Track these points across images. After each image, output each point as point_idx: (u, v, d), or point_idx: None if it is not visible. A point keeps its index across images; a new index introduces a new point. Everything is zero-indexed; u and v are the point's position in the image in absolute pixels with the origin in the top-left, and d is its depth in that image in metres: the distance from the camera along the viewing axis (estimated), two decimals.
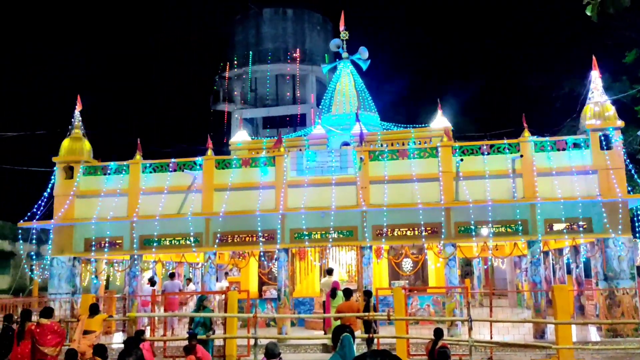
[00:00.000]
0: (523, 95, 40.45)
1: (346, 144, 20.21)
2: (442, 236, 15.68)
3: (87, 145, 17.80)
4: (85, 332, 11.19)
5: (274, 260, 17.32)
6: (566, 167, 15.57)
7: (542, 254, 15.98)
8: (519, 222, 15.46)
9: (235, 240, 16.53)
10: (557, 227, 15.45)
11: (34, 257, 21.84)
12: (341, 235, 16.17)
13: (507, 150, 15.92)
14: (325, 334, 14.74)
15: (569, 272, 19.37)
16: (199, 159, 16.97)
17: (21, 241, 20.38)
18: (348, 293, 12.64)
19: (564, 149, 15.75)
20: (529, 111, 16.91)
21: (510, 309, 21.53)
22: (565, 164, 15.61)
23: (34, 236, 17.43)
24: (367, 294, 13.16)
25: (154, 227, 16.53)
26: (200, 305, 12.51)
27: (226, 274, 19.93)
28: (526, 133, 15.92)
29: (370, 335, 11.92)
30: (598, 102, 15.95)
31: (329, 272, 16.08)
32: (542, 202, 15.29)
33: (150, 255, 17.37)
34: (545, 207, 15.36)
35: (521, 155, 15.66)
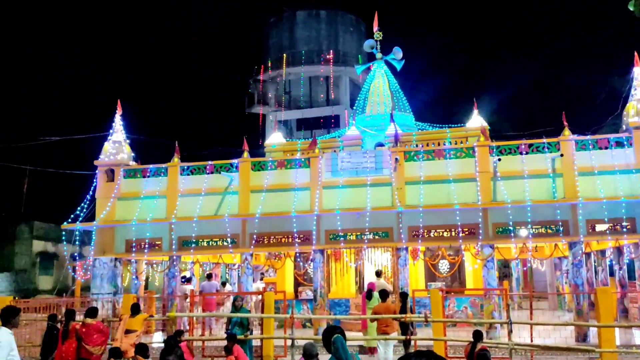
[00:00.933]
0: (563, 93, 39.55)
1: (381, 144, 20.13)
2: (480, 237, 15.47)
3: (127, 149, 18.23)
4: (127, 332, 11.43)
5: (309, 262, 17.39)
6: (609, 165, 15.16)
7: (584, 255, 15.58)
8: (560, 223, 15.12)
9: (271, 242, 16.66)
10: (599, 227, 15.05)
11: (76, 258, 22.44)
12: (377, 237, 16.11)
13: (547, 150, 15.59)
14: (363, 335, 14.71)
15: (612, 274, 18.83)
16: (235, 161, 17.18)
17: (64, 242, 20.99)
18: (384, 294, 12.58)
19: (606, 148, 15.34)
20: (569, 109, 16.57)
21: (551, 311, 21.05)
22: (607, 162, 15.20)
23: (77, 238, 17.92)
24: (404, 295, 13.08)
25: (192, 229, 16.80)
26: (234, 306, 12.59)
27: (262, 274, 20.12)
28: (566, 131, 15.56)
29: (408, 337, 11.83)
30: None
31: (378, 274, 16.09)
32: (583, 202, 14.92)
33: (189, 256, 17.66)
34: (587, 207, 14.98)
35: (561, 154, 15.31)
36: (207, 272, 18.96)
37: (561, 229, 15.12)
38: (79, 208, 17.55)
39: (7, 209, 36.64)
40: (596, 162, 15.23)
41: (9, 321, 6.99)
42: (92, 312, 11.01)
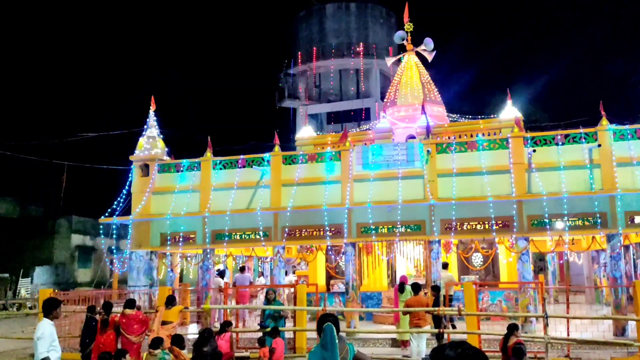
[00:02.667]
0: (599, 82, 38.47)
1: (412, 137, 19.96)
2: (514, 230, 15.22)
3: (161, 144, 18.53)
4: (163, 323, 11.67)
5: (341, 255, 17.40)
6: None
7: (622, 248, 15.18)
8: (598, 215, 14.76)
9: (303, 235, 16.73)
10: (638, 219, 14.63)
11: (114, 251, 22.92)
12: (408, 230, 16.02)
13: (584, 140, 15.21)
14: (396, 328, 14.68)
15: None
16: (266, 155, 17.29)
17: (102, 236, 21.49)
18: (416, 288, 12.52)
19: None
20: (606, 98, 16.11)
21: (588, 305, 20.59)
22: None
23: (114, 231, 18.31)
24: (436, 289, 12.98)
25: (225, 222, 17.00)
26: (267, 299, 12.67)
27: (294, 267, 20.22)
28: (604, 121, 15.15)
29: (441, 330, 11.76)
30: None
31: (444, 266, 16.05)
32: (622, 194, 14.52)
33: (222, 249, 17.88)
34: (626, 198, 14.58)
35: (599, 145, 14.92)
36: (240, 265, 19.17)
37: (599, 221, 14.75)
38: (115, 202, 17.95)
39: (47, 203, 37.73)
40: (635, 152, 14.79)
41: (50, 312, 7.21)
42: (130, 303, 11.27)
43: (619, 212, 14.62)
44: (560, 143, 15.33)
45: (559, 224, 14.99)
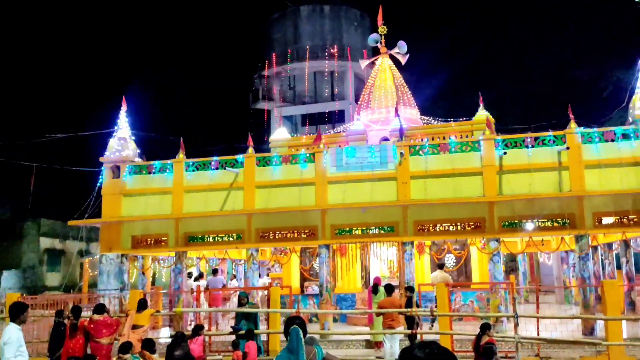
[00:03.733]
0: (568, 86, 39.31)
1: (385, 139, 20.09)
2: (486, 231, 15.43)
3: (132, 145, 18.27)
4: (134, 327, 11.51)
5: (315, 257, 17.41)
6: (615, 158, 15.06)
7: (590, 248, 15.53)
8: (566, 216, 15.06)
9: (277, 237, 16.69)
10: (606, 220, 14.99)
11: (83, 254, 22.53)
12: (382, 231, 16.11)
13: (553, 143, 15.50)
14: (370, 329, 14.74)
15: (619, 267, 18.76)
16: (240, 157, 17.19)
17: (71, 239, 21.11)
18: (390, 289, 12.59)
19: (612, 140, 15.24)
20: (575, 102, 16.46)
21: (558, 305, 21.01)
22: (614, 155, 15.10)
23: (84, 234, 18.01)
24: (410, 289, 13.08)
25: (198, 224, 16.85)
26: (240, 304, 12.58)
27: (268, 269, 20.13)
28: (572, 124, 15.48)
29: (414, 331, 11.84)
30: None
31: (440, 266, 16.15)
32: (590, 195, 14.86)
33: (195, 251, 17.71)
34: (594, 200, 14.92)
35: (567, 147, 15.23)
36: (213, 268, 19.03)
37: (567, 222, 15.06)
38: (85, 205, 17.63)
39: (14, 206, 36.85)
40: (603, 155, 15.14)
41: (17, 317, 7.04)
42: (99, 309, 11.10)
43: (587, 214, 14.94)
44: (530, 145, 15.61)
45: (529, 225, 15.26)
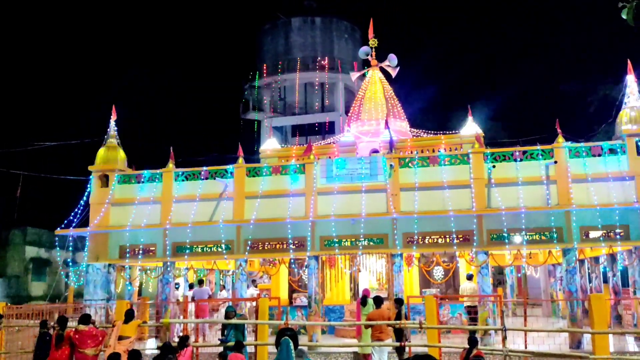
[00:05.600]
0: (556, 101, 39.81)
1: (375, 151, 20.18)
2: (474, 244, 15.49)
3: (121, 154, 18.19)
4: (120, 338, 11.38)
5: (304, 268, 17.37)
6: (602, 173, 15.24)
7: (577, 262, 15.63)
8: (554, 230, 15.17)
9: (266, 248, 16.64)
10: (593, 234, 15.11)
11: (69, 264, 22.30)
12: (371, 243, 16.12)
13: (541, 157, 15.66)
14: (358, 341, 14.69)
15: (606, 281, 18.90)
16: (230, 167, 17.17)
17: (57, 248, 20.90)
18: (378, 301, 12.58)
19: (599, 155, 15.43)
20: (562, 117, 16.64)
21: (545, 318, 21.08)
22: (601, 170, 15.28)
23: (70, 243, 17.82)
24: (399, 302, 13.07)
25: (186, 235, 16.76)
26: (227, 318, 12.47)
27: (253, 281, 19.96)
28: (560, 139, 15.65)
29: (402, 343, 11.82)
30: (634, 107, 15.61)
31: (469, 277, 16.27)
32: (577, 209, 14.98)
33: (183, 262, 17.60)
34: (581, 214, 15.05)
35: (555, 162, 15.39)
36: (199, 278, 18.90)
37: (555, 235, 15.17)
38: (72, 214, 17.48)
39: (0, 214, 36.42)
40: (590, 170, 15.31)
41: None
42: (84, 319, 10.97)
43: (574, 227, 15.06)
44: (519, 159, 15.74)
45: (517, 238, 15.35)
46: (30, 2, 52.08)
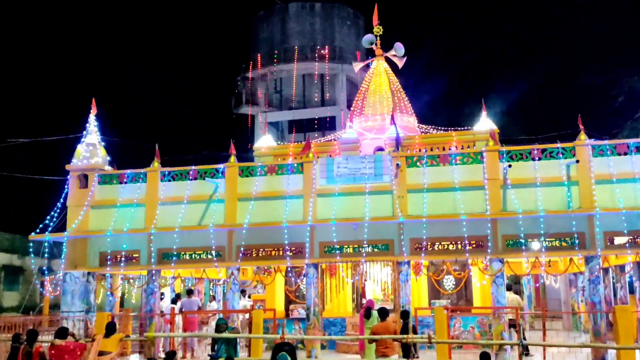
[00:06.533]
0: (578, 95, 39.79)
1: (380, 149, 20.19)
2: (488, 251, 15.50)
3: (102, 152, 18.19)
4: (101, 353, 11.35)
5: (302, 277, 17.37)
6: (628, 173, 15.25)
7: (601, 270, 15.64)
8: (575, 235, 15.18)
9: (260, 255, 16.64)
10: (618, 240, 15.12)
11: (45, 272, 22.28)
12: (376, 249, 16.12)
13: (561, 155, 15.67)
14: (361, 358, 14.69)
15: (632, 291, 18.90)
16: (221, 167, 17.18)
17: (32, 255, 20.89)
18: (383, 313, 12.56)
19: (625, 154, 15.44)
20: (585, 112, 16.70)
21: (566, 332, 21.09)
22: (627, 169, 15.29)
23: (46, 250, 17.81)
24: (405, 315, 13.07)
25: (173, 240, 16.76)
26: (218, 331, 12.48)
27: (243, 291, 19.84)
28: (582, 136, 15.66)
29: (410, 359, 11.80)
30: None
31: (509, 287, 16.36)
32: (601, 213, 14.99)
33: (169, 270, 17.61)
34: (605, 218, 15.05)
35: (577, 161, 15.39)
36: (188, 288, 18.90)
37: (577, 242, 15.17)
38: (48, 217, 17.47)
39: None
40: (615, 169, 15.31)
41: None
42: (61, 333, 10.95)
43: (598, 233, 15.07)
44: (537, 158, 15.76)
45: (535, 245, 15.36)
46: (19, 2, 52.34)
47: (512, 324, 15.54)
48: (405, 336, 11.93)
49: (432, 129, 22.21)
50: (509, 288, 16.66)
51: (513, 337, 14.96)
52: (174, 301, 18.24)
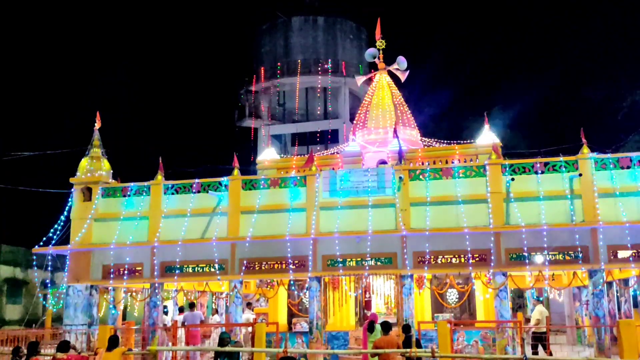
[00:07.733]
0: (581, 108, 39.84)
1: (383, 162, 20.23)
2: (492, 264, 15.47)
3: (106, 165, 18.26)
4: None
5: (304, 290, 17.34)
6: (631, 186, 15.25)
7: (605, 284, 15.59)
8: (579, 249, 15.15)
9: (263, 268, 16.63)
10: (622, 254, 15.09)
11: (48, 285, 22.28)
12: (379, 263, 16.11)
13: (564, 169, 15.69)
14: None
15: (636, 305, 18.80)
16: (224, 179, 17.22)
17: (35, 268, 20.89)
18: (387, 327, 12.54)
19: (628, 167, 15.45)
20: (588, 125, 16.72)
21: (570, 346, 20.95)
22: (630, 183, 15.30)
23: (49, 263, 17.83)
24: (406, 329, 13.03)
25: (176, 253, 16.77)
26: (221, 345, 12.46)
27: (248, 304, 19.83)
28: (585, 149, 15.68)
29: None
30: None
31: (538, 299, 16.20)
32: (604, 227, 14.98)
33: (172, 283, 17.60)
34: (609, 231, 15.03)
35: (580, 174, 15.41)
36: (190, 301, 18.86)
37: (580, 255, 15.14)
38: (51, 230, 17.51)
39: None
40: (618, 183, 15.31)
41: None
42: (63, 347, 10.94)
43: (601, 246, 15.04)
44: (540, 171, 15.77)
45: (539, 258, 15.33)
46: (20, 5, 52.73)
47: (538, 336, 15.50)
48: (408, 350, 11.90)
49: (434, 142, 22.27)
50: (538, 300, 16.67)
51: (541, 353, 15.01)
52: (181, 310, 18.20)
